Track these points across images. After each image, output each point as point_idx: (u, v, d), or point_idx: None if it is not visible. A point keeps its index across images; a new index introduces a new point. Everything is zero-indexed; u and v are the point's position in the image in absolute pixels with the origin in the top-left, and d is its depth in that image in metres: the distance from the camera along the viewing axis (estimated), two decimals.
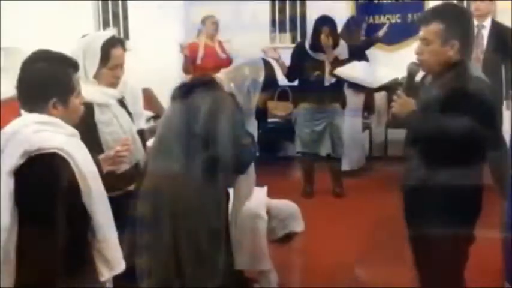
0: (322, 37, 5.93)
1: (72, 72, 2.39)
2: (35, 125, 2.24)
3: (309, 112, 6.20)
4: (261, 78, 3.21)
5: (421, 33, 2.93)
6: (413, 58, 3.05)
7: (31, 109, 2.30)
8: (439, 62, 2.89)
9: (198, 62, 6.98)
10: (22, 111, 2.34)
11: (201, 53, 7.01)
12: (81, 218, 2.28)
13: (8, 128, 2.27)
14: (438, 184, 2.89)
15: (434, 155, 2.88)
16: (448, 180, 2.84)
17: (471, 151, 2.81)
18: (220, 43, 7.21)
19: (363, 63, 6.33)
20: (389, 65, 6.88)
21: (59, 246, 2.18)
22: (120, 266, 2.45)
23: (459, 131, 2.73)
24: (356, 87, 6.64)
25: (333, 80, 6.01)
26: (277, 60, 6.02)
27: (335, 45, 6.01)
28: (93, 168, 2.36)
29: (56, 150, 2.20)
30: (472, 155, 2.83)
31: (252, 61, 3.30)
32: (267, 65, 3.30)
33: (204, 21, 7.12)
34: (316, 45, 6.01)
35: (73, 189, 2.23)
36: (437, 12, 2.93)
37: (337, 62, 6.00)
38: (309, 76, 6.08)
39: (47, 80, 2.31)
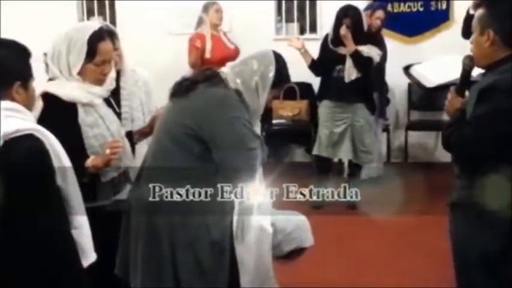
0: (342, 29, 5.95)
1: (27, 58, 2.54)
2: (4, 111, 2.39)
3: (330, 111, 6.26)
4: (271, 73, 3.16)
5: None
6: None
7: None
8: (480, 54, 2.87)
9: (207, 55, 6.96)
10: None
11: (209, 45, 6.99)
12: (59, 203, 2.45)
13: None
14: (466, 197, 2.90)
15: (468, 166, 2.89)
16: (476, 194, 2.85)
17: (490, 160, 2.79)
18: (224, 33, 7.24)
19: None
20: (411, 59, 6.93)
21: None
22: (93, 255, 2.62)
23: (471, 135, 2.75)
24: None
25: (354, 76, 6.03)
26: (299, 49, 6.15)
27: (359, 38, 6.00)
28: (64, 152, 2.50)
29: (32, 131, 2.37)
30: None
31: (261, 54, 3.23)
32: (278, 58, 3.25)
33: (206, 9, 7.10)
34: (337, 39, 6.06)
35: (51, 172, 2.39)
36: None
37: (359, 58, 6.00)
38: (331, 71, 6.14)
39: (8, 64, 2.46)
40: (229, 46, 7.13)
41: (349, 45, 5.98)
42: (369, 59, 6.04)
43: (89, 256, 2.60)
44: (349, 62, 6.02)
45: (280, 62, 3.23)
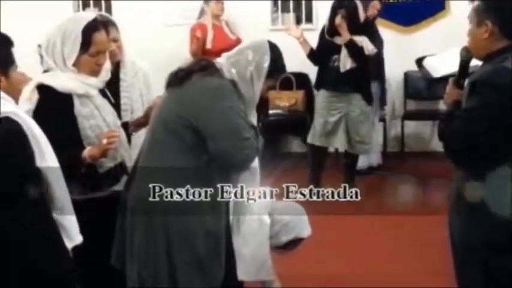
0: (337, 19, 5.99)
1: (8, 45, 2.57)
2: None
3: (326, 100, 6.29)
4: (266, 63, 3.14)
5: None
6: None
7: None
8: (477, 46, 2.84)
9: (208, 45, 6.98)
10: None
11: (210, 35, 7.02)
12: (37, 183, 2.46)
13: None
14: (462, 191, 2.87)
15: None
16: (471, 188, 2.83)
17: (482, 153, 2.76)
18: (227, 23, 7.23)
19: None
20: (406, 48, 6.93)
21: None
22: (78, 237, 2.64)
23: (463, 129, 2.72)
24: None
25: (349, 65, 6.06)
26: (298, 38, 6.20)
27: (354, 29, 6.02)
28: (43, 135, 2.51)
29: (8, 114, 2.38)
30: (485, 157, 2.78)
31: (256, 44, 3.21)
32: (273, 48, 3.23)
33: (206, 0, 7.15)
34: (333, 30, 6.10)
35: (27, 152, 2.41)
36: None
37: (354, 47, 6.02)
38: (327, 61, 6.19)
39: None
40: (231, 37, 7.13)
41: (344, 34, 6.01)
42: (362, 49, 6.04)
43: (74, 238, 2.61)
44: (344, 52, 6.06)
45: (275, 52, 3.21)
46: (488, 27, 2.77)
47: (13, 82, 2.55)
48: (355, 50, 6.01)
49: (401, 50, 6.99)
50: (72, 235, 2.60)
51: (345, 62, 6.05)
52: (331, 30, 6.12)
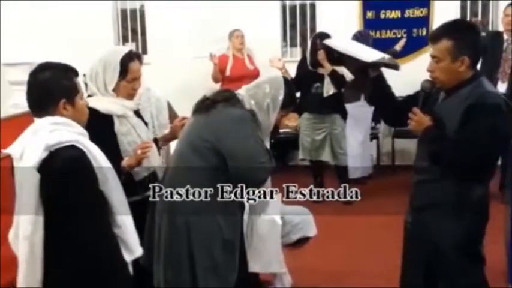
0: (319, 54, 6.02)
1: (73, 76, 2.50)
2: (50, 126, 2.37)
3: (310, 122, 6.35)
4: (281, 96, 3.14)
5: (432, 50, 2.87)
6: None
7: (44, 114, 2.42)
8: (451, 78, 2.83)
9: (227, 73, 7.12)
10: (35, 119, 2.45)
11: (230, 64, 7.16)
12: (101, 204, 2.40)
13: (27, 132, 2.41)
14: (449, 198, 2.87)
15: (448, 171, 2.84)
16: (459, 194, 2.83)
17: (486, 166, 2.80)
18: (248, 55, 7.34)
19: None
20: (394, 79, 6.92)
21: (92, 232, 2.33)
22: (139, 250, 2.56)
23: (476, 148, 2.70)
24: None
25: (331, 91, 6.11)
26: (280, 69, 6.27)
27: (332, 60, 5.98)
28: (107, 161, 2.46)
29: (73, 143, 2.33)
30: (486, 169, 2.82)
31: (273, 79, 3.22)
32: (287, 82, 3.23)
33: (230, 35, 7.29)
34: (314, 62, 6.13)
35: (92, 177, 2.35)
36: (446, 29, 2.87)
37: (336, 76, 6.04)
38: (310, 88, 6.21)
39: (54, 84, 2.43)
40: (249, 67, 7.22)
41: (326, 66, 6.05)
42: (343, 77, 6.05)
43: (134, 251, 2.52)
44: (327, 80, 6.11)
45: (289, 87, 3.21)
46: (465, 61, 2.79)
47: (78, 109, 2.49)
48: (338, 78, 6.04)
49: (391, 78, 6.95)
50: (133, 249, 2.51)
51: (328, 89, 6.12)
52: (313, 62, 6.14)
